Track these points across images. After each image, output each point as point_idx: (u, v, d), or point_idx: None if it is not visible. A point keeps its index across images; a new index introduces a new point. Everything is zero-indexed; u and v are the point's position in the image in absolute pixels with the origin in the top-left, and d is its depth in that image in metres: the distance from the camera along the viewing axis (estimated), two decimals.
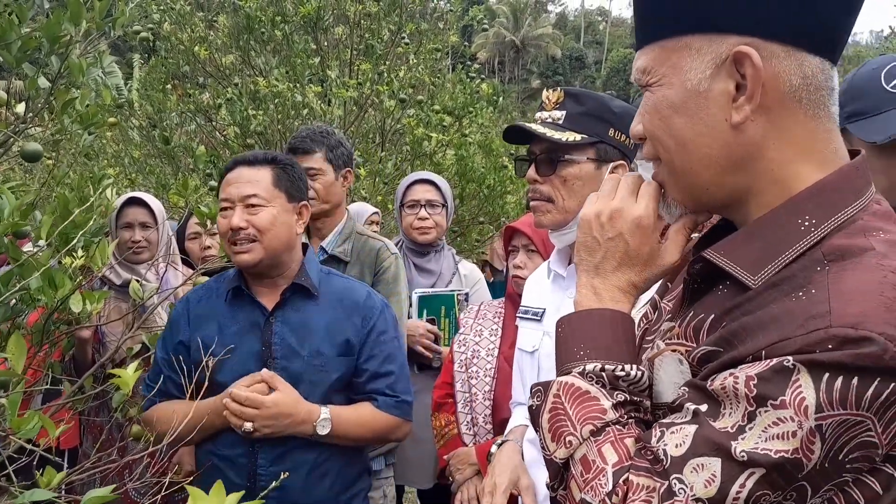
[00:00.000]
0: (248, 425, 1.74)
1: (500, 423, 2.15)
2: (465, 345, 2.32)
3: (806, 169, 0.85)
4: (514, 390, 1.92)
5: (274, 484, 1.37)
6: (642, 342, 1.02)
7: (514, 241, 2.24)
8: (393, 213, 3.70)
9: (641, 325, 1.07)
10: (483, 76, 6.85)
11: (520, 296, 2.23)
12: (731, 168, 0.86)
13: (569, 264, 1.69)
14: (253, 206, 1.86)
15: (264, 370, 1.81)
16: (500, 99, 6.78)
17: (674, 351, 0.86)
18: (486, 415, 2.19)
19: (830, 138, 0.86)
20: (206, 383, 1.77)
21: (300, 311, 1.92)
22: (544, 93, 1.70)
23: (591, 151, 1.61)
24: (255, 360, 1.86)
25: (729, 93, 0.84)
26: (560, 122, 1.63)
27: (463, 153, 5.30)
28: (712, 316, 0.85)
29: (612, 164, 1.59)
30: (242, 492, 0.94)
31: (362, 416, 1.90)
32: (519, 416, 1.86)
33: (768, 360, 0.73)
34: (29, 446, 1.16)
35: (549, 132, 1.60)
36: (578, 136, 1.59)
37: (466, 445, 2.16)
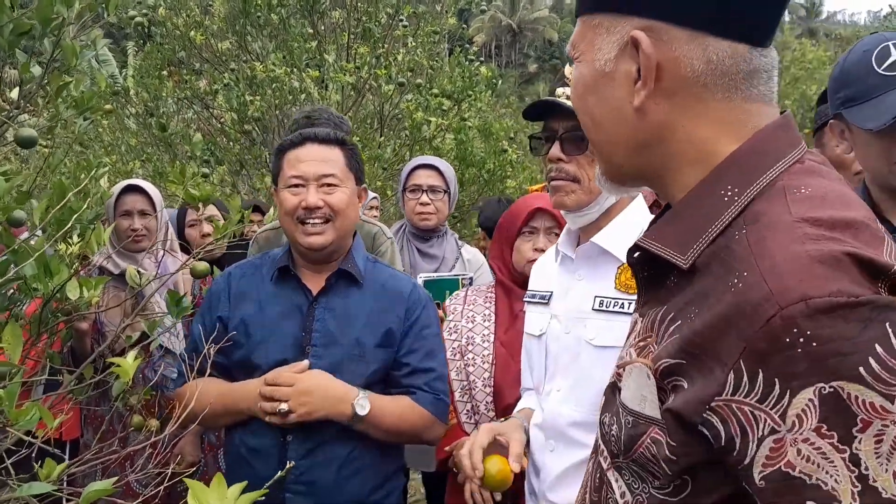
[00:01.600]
0: (284, 405, 1.68)
1: (503, 409, 2.10)
2: (456, 332, 2.26)
3: (723, 145, 0.83)
4: (522, 375, 1.89)
5: (280, 474, 1.33)
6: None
7: (535, 222, 2.18)
8: (392, 198, 3.66)
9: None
10: (481, 60, 6.78)
11: (515, 281, 2.20)
12: (638, 149, 0.86)
13: (577, 245, 1.64)
14: (329, 185, 1.82)
15: (297, 364, 1.76)
16: (500, 82, 6.73)
17: (644, 364, 0.82)
18: (487, 402, 2.16)
19: (747, 118, 0.84)
20: (236, 362, 1.77)
21: (344, 297, 1.87)
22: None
23: None
24: (293, 344, 1.81)
25: (631, 75, 0.83)
26: None
27: (462, 137, 5.26)
28: (663, 309, 0.83)
29: None
30: (245, 482, 0.91)
31: (400, 406, 1.82)
32: (528, 400, 1.83)
33: (808, 400, 0.66)
34: (28, 438, 1.13)
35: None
36: None
37: (468, 434, 2.12)
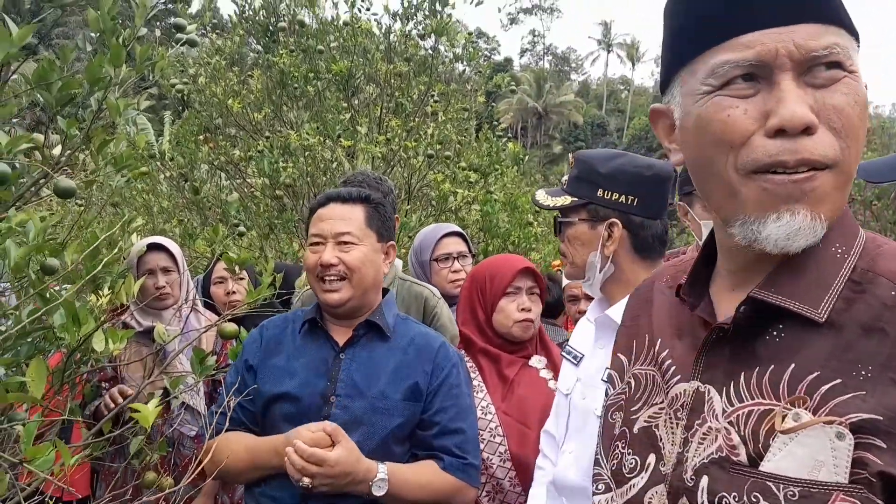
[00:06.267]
0: (307, 481, 1.65)
1: (530, 481, 2.03)
2: None
3: None
4: (548, 428, 1.91)
5: None
6: (627, 415, 0.98)
7: (518, 282, 2.21)
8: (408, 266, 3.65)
9: (605, 404, 1.05)
10: (509, 136, 6.92)
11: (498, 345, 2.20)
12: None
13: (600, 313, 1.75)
14: (345, 243, 1.86)
15: (327, 423, 1.72)
16: (526, 158, 6.84)
17: (830, 423, 0.75)
18: (511, 478, 2.05)
19: None
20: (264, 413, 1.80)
21: (371, 350, 1.87)
22: (571, 155, 1.85)
23: (582, 212, 1.74)
24: (318, 395, 1.81)
25: None
26: (565, 186, 1.78)
27: (488, 209, 5.30)
28: (789, 369, 0.78)
29: (606, 223, 1.70)
30: None
31: (423, 475, 1.78)
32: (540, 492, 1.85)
33: None
34: (43, 475, 1.10)
35: (547, 199, 1.78)
36: (569, 200, 1.75)
37: None
